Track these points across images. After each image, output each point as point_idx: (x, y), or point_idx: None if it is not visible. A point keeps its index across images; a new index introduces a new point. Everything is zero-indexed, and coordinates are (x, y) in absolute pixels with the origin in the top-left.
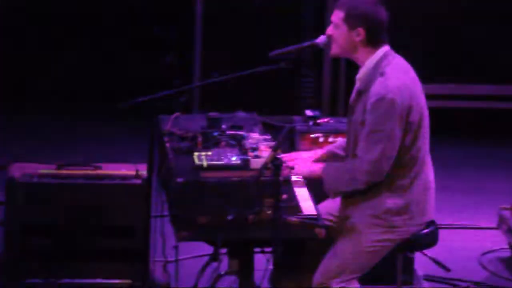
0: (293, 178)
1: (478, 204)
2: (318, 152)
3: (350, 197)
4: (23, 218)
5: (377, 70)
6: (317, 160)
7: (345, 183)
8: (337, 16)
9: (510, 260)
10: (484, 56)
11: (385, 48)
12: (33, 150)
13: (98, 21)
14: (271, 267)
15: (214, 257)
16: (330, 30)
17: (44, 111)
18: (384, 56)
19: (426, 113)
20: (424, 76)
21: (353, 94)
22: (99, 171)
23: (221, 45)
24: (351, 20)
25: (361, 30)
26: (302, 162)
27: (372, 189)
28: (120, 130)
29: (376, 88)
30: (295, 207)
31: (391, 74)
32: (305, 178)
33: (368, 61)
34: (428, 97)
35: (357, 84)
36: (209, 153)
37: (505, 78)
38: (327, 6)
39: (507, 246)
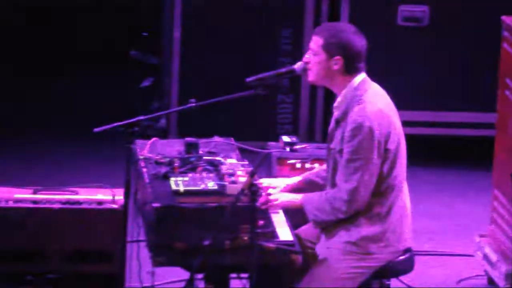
0: (272, 204)
1: (454, 231)
2: (296, 180)
3: (328, 227)
4: (2, 245)
5: (354, 98)
6: (295, 189)
7: (326, 213)
8: (315, 43)
9: (485, 287)
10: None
11: (362, 76)
12: (7, 174)
13: (72, 46)
14: None
15: (190, 283)
16: (308, 55)
17: (16, 134)
18: (361, 84)
19: (402, 140)
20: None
21: (332, 123)
22: (75, 196)
23: (198, 70)
24: (330, 48)
25: (339, 59)
26: (280, 193)
27: (355, 215)
28: (95, 155)
29: (354, 116)
30: (272, 233)
31: (368, 102)
32: (284, 209)
33: (345, 90)
34: (406, 123)
35: (335, 113)
36: (186, 178)
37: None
38: (304, 32)
39: (483, 273)
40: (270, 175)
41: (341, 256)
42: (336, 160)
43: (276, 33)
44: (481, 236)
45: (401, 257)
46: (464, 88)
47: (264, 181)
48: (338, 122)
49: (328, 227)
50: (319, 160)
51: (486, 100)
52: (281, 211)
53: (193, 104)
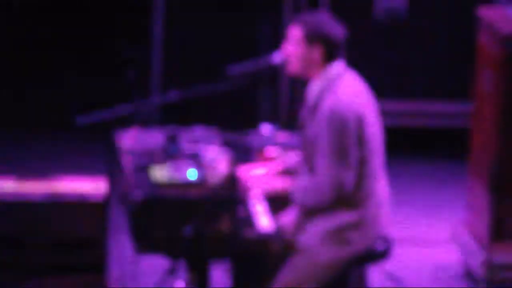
0: (252, 193)
1: (431, 219)
2: (274, 167)
3: (307, 212)
4: None
5: (330, 86)
6: (276, 176)
7: (310, 200)
8: (295, 33)
9: (461, 277)
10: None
11: (339, 64)
12: None
13: (48, 36)
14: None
15: (171, 271)
16: (288, 47)
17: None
18: (337, 72)
19: (378, 128)
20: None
21: (305, 110)
22: (58, 187)
23: (181, 61)
24: (310, 37)
25: (319, 47)
26: (262, 179)
27: (333, 204)
28: (76, 145)
29: (329, 104)
30: (252, 223)
31: (344, 91)
32: (267, 193)
33: (321, 77)
34: (384, 113)
35: (310, 99)
36: (167, 168)
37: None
38: (283, 23)
39: (460, 261)
40: (249, 163)
41: (321, 243)
42: (311, 146)
43: (256, 24)
44: (458, 224)
45: (379, 244)
46: (442, 78)
47: (247, 171)
48: (312, 108)
49: (309, 215)
50: (298, 148)
51: (463, 90)
52: (262, 202)
53: (175, 96)
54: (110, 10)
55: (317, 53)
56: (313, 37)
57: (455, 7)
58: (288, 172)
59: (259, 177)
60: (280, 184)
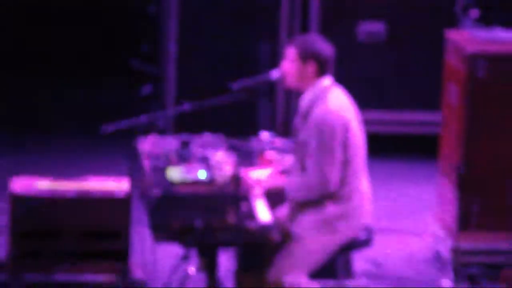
0: (253, 191)
1: (407, 212)
2: (272, 169)
3: (299, 206)
4: (24, 225)
5: (320, 97)
6: (274, 176)
7: (302, 195)
8: (291, 52)
9: (432, 261)
10: None
11: (328, 79)
12: (28, 165)
13: (72, 49)
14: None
15: (185, 257)
16: (285, 64)
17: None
18: (327, 86)
19: (361, 135)
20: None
21: (298, 118)
22: (88, 186)
23: (192, 76)
24: (304, 55)
25: (312, 64)
26: (259, 181)
27: (321, 198)
28: (102, 150)
29: (319, 113)
30: (253, 216)
31: (332, 101)
32: (266, 190)
33: (312, 90)
34: (366, 122)
35: (302, 108)
36: (181, 169)
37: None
38: (279, 44)
39: (431, 247)
40: (251, 165)
41: (312, 233)
42: (303, 150)
43: (256, 45)
44: (430, 216)
45: (362, 234)
46: (416, 91)
47: (249, 171)
48: (304, 117)
49: (301, 208)
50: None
51: (434, 102)
52: (261, 198)
53: (187, 107)
54: (132, 31)
55: (310, 68)
56: (306, 55)
57: (426, 30)
58: (283, 172)
59: (259, 178)
60: (275, 182)
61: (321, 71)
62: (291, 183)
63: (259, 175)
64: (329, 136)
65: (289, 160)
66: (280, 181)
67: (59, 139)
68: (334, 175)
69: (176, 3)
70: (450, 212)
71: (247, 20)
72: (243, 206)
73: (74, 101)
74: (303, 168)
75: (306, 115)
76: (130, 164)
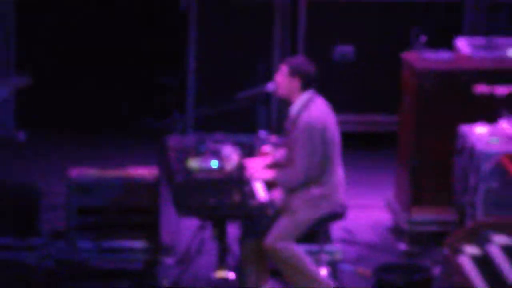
0: (254, 176)
1: (373, 192)
2: (268, 160)
3: (292, 190)
4: (79, 204)
5: (305, 106)
6: (269, 166)
7: (289, 183)
8: (283, 69)
9: (392, 230)
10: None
11: (311, 92)
12: (82, 158)
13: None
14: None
15: (201, 227)
16: (277, 78)
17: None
18: (310, 97)
19: (337, 133)
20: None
21: (288, 122)
22: (128, 173)
23: (207, 88)
24: (292, 73)
25: (298, 80)
26: (258, 169)
27: (305, 183)
28: (135, 145)
29: (304, 118)
30: (254, 196)
31: (313, 109)
32: (262, 180)
33: (299, 100)
34: (341, 123)
35: (292, 114)
36: (198, 160)
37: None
38: (273, 63)
39: (391, 219)
40: (252, 156)
41: (300, 209)
42: (292, 147)
43: (256, 64)
44: (390, 195)
45: (338, 209)
46: (379, 99)
47: (250, 161)
48: (293, 121)
49: (289, 192)
50: (283, 147)
51: (394, 108)
52: (260, 182)
53: (202, 112)
54: (158, 45)
55: (295, 83)
56: (293, 72)
57: (386, 52)
58: (277, 162)
59: (257, 167)
60: (268, 175)
61: (305, 86)
62: (281, 175)
63: (257, 165)
64: (312, 136)
65: (280, 152)
66: (273, 174)
67: (106, 137)
68: (314, 167)
69: (195, 37)
70: (405, 192)
71: (248, 44)
72: (246, 188)
73: (118, 110)
74: (291, 159)
75: (295, 120)
76: (159, 156)
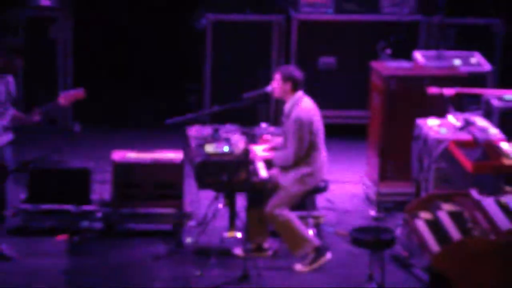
0: (257, 158)
1: (350, 170)
2: (268, 146)
3: (286, 168)
4: (122, 179)
5: (295, 104)
6: (268, 150)
7: (283, 163)
8: (277, 76)
9: (364, 200)
10: None
11: (300, 92)
12: (122, 143)
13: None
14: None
15: (216, 198)
16: (274, 83)
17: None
18: (299, 97)
19: (320, 125)
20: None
21: (283, 116)
22: (159, 156)
23: (220, 90)
24: (284, 78)
25: (290, 84)
26: (260, 153)
27: (296, 163)
28: (166, 134)
29: (295, 113)
30: (257, 173)
31: (302, 106)
32: (263, 161)
33: (291, 99)
34: (324, 117)
35: (286, 110)
36: (213, 146)
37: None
38: (271, 71)
39: (364, 192)
40: (255, 143)
41: (292, 184)
42: (287, 135)
43: (258, 71)
44: (363, 173)
45: (322, 183)
46: (354, 97)
47: (253, 146)
48: (287, 115)
49: (285, 169)
50: (279, 135)
51: (365, 104)
52: (261, 162)
53: (216, 109)
54: (183, 60)
55: (287, 86)
56: (286, 78)
57: (360, 62)
58: (274, 147)
59: (259, 151)
60: (268, 156)
61: (295, 88)
62: (277, 156)
63: (260, 149)
64: (301, 127)
65: (278, 140)
66: (271, 155)
67: (143, 128)
68: (301, 151)
69: (210, 52)
70: (375, 170)
71: (251, 56)
72: (250, 167)
73: (148, 105)
74: (285, 145)
75: (288, 115)
76: (183, 142)
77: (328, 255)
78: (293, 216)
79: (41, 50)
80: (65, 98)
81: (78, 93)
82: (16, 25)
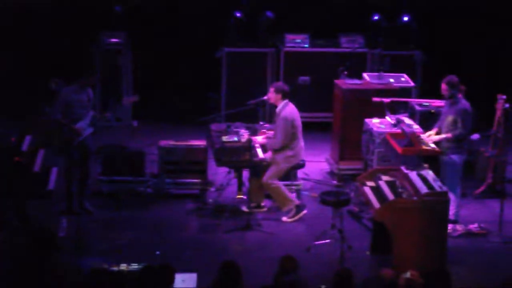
0: (256, 145)
1: (319, 155)
2: (264, 137)
3: (276, 151)
4: (165, 159)
5: (283, 108)
6: (264, 139)
7: (275, 147)
8: (271, 89)
9: (331, 173)
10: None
11: (286, 100)
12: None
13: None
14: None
15: (228, 172)
16: (269, 94)
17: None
18: (286, 103)
19: (300, 122)
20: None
21: (275, 116)
22: (191, 143)
23: (232, 98)
24: (276, 91)
25: (280, 94)
26: (259, 141)
27: (283, 148)
28: (197, 129)
29: (283, 114)
30: (257, 155)
31: (288, 109)
32: (261, 147)
33: (280, 104)
34: (302, 117)
35: (276, 112)
36: (227, 136)
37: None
38: (267, 86)
39: (329, 168)
40: (255, 135)
41: (280, 162)
42: (276, 129)
43: (257, 86)
44: (328, 155)
45: (301, 162)
46: (323, 103)
47: (255, 137)
48: (277, 115)
49: (276, 152)
50: (273, 130)
51: (331, 107)
52: (260, 148)
53: (228, 111)
54: (206, 77)
55: (278, 96)
56: (277, 90)
57: (328, 80)
58: (269, 137)
59: (259, 140)
60: (265, 142)
61: (283, 97)
62: (270, 142)
63: (259, 139)
64: (286, 123)
65: (271, 133)
66: (266, 142)
67: (180, 125)
68: (287, 139)
69: (225, 71)
70: (336, 153)
71: (253, 76)
72: (252, 151)
73: (183, 108)
74: (275, 136)
75: (278, 115)
76: (207, 134)
77: (305, 211)
78: (281, 184)
79: (112, 71)
80: (126, 100)
81: (134, 98)
82: (94, 55)
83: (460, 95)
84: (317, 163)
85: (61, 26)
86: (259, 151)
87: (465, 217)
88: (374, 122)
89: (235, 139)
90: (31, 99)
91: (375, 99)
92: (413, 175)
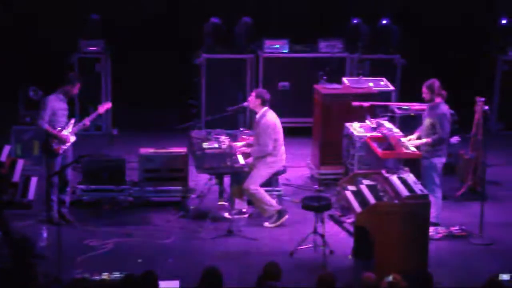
0: (237, 151)
1: (300, 159)
2: (245, 143)
3: (256, 158)
4: (145, 167)
5: (263, 114)
6: (245, 146)
7: (257, 154)
8: (252, 95)
9: (311, 178)
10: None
11: (266, 107)
12: (146, 142)
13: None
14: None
15: (210, 179)
16: (249, 100)
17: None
18: (266, 109)
19: (280, 128)
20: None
21: (255, 122)
22: (171, 150)
23: (211, 104)
24: (257, 97)
25: (259, 100)
26: (239, 148)
27: (265, 156)
28: (176, 135)
29: (263, 121)
30: (237, 162)
31: (268, 116)
32: (241, 153)
33: (260, 111)
34: (282, 122)
35: (256, 118)
36: (207, 143)
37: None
38: (247, 92)
39: (310, 173)
40: (235, 141)
41: (262, 168)
42: (258, 136)
43: (238, 92)
44: (309, 160)
45: (283, 168)
46: (304, 108)
47: (235, 143)
48: (257, 122)
49: (257, 159)
50: (252, 136)
51: (311, 112)
52: (240, 154)
53: (211, 117)
54: (186, 84)
55: (258, 102)
56: (258, 96)
57: (308, 85)
58: (249, 144)
59: (239, 147)
60: (245, 150)
61: (263, 104)
62: (253, 150)
63: (239, 145)
64: (267, 130)
65: (251, 139)
66: (248, 150)
67: (161, 132)
68: (270, 146)
69: (204, 78)
70: (317, 158)
71: (233, 81)
72: (233, 158)
73: (163, 115)
74: (257, 143)
75: (259, 122)
76: (188, 141)
77: (286, 216)
78: (262, 190)
79: (89, 80)
80: (101, 108)
81: (107, 104)
82: (73, 63)
83: (439, 100)
84: (298, 168)
85: (39, 34)
86: (240, 157)
87: (446, 219)
88: (354, 126)
89: (216, 145)
90: (8, 108)
91: (355, 103)
92: (394, 178)
